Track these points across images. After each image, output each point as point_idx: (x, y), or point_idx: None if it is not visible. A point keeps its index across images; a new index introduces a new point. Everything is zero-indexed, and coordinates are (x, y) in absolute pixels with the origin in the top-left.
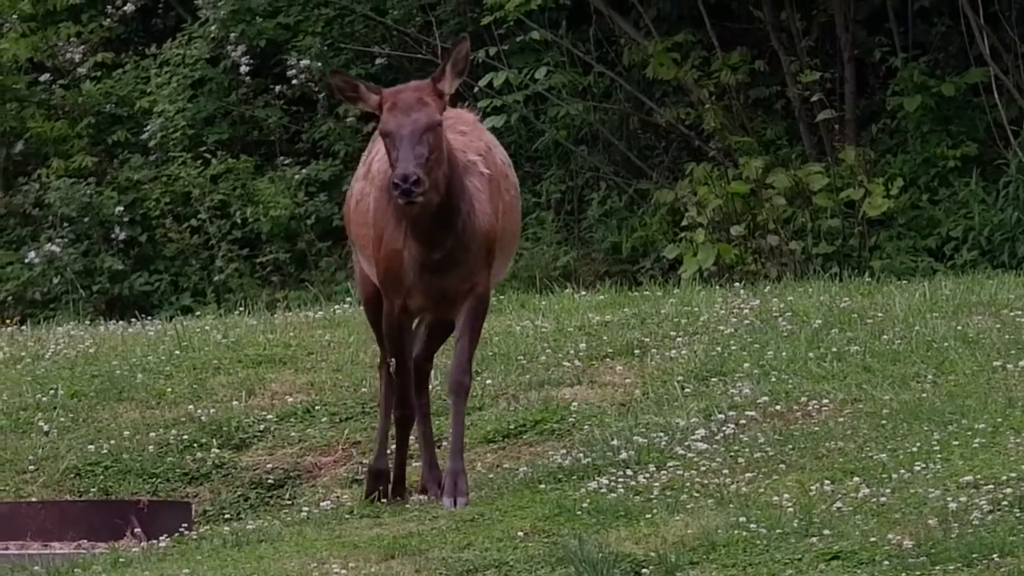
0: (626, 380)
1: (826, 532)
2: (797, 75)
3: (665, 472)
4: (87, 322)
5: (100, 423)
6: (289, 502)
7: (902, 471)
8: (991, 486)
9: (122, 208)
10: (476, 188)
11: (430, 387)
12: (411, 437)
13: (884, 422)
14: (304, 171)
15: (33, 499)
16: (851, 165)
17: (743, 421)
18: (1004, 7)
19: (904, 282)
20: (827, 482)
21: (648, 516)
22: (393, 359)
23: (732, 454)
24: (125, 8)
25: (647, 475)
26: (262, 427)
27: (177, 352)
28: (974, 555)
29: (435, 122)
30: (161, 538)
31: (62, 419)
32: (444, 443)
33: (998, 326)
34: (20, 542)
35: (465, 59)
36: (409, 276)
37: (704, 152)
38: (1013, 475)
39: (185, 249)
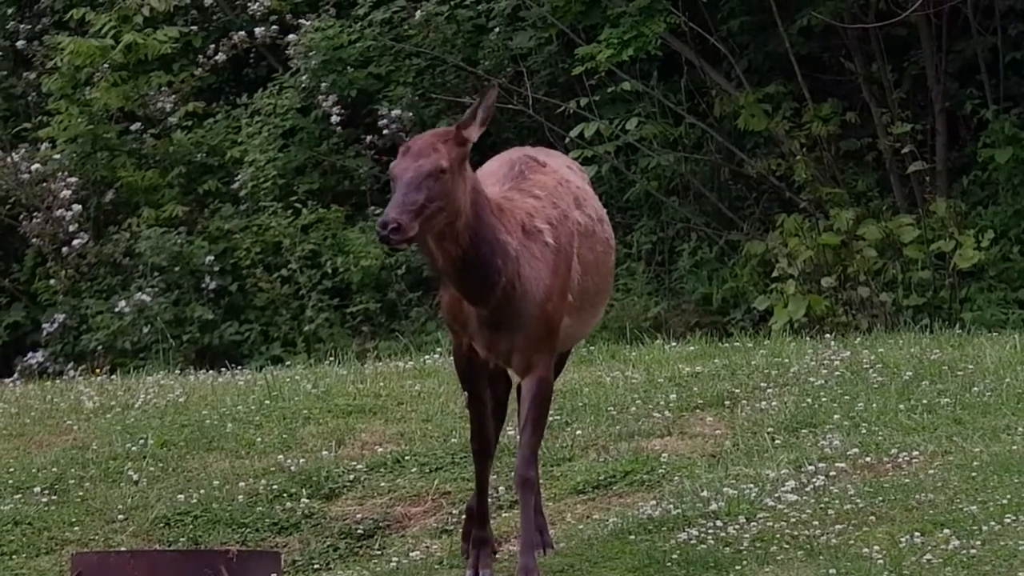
0: (716, 431)
1: None
2: (888, 127)
3: (755, 523)
4: (177, 371)
5: (190, 472)
6: (378, 552)
7: (992, 523)
8: None
9: (212, 257)
10: (532, 255)
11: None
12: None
13: (974, 474)
14: None
15: (122, 548)
16: (942, 217)
17: (833, 473)
18: None
19: (995, 334)
20: (917, 534)
21: (738, 568)
22: (465, 392)
23: (822, 506)
24: (216, 58)
25: (737, 526)
26: (352, 477)
27: (267, 402)
28: None
29: (438, 168)
30: None
31: (152, 468)
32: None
33: None
34: None
35: (492, 108)
36: (470, 323)
37: (795, 203)
38: None
39: (275, 299)
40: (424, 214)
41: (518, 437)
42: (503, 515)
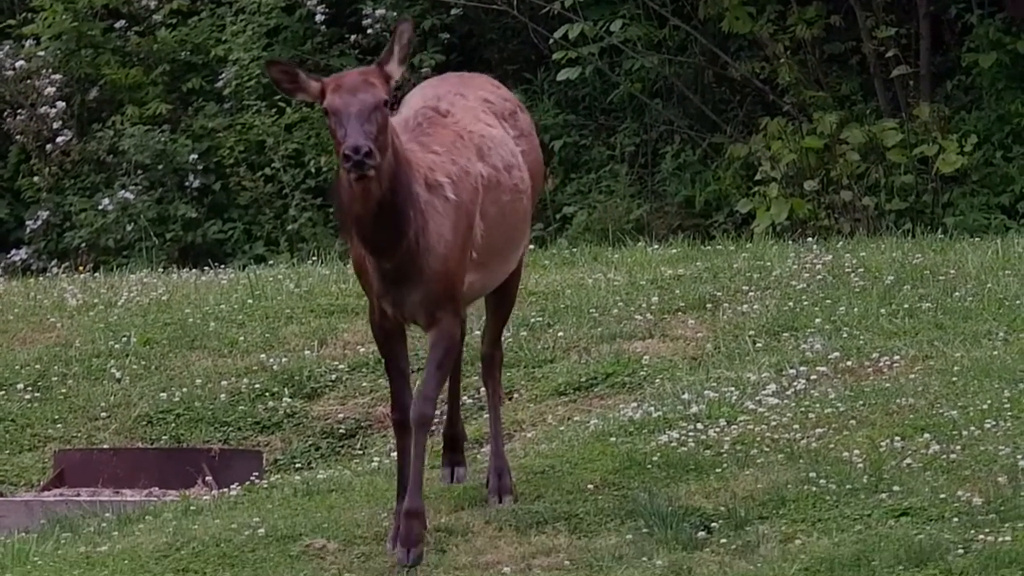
0: (698, 334)
1: (896, 488)
2: (873, 30)
3: (736, 427)
4: (160, 270)
5: (172, 371)
6: (360, 452)
7: (972, 428)
8: None
9: (196, 156)
10: (435, 208)
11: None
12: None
13: (955, 379)
14: None
15: (105, 446)
16: (925, 121)
17: (814, 376)
18: None
19: (977, 239)
20: (897, 438)
21: (718, 470)
22: (384, 360)
23: (803, 409)
24: None
25: (718, 429)
26: (334, 377)
27: (250, 301)
28: None
29: (381, 100)
30: (232, 486)
31: (134, 367)
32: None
33: None
34: (92, 489)
35: (409, 44)
36: (373, 281)
37: (778, 107)
38: None
39: (259, 198)
40: (377, 144)
41: (421, 377)
42: (484, 416)
